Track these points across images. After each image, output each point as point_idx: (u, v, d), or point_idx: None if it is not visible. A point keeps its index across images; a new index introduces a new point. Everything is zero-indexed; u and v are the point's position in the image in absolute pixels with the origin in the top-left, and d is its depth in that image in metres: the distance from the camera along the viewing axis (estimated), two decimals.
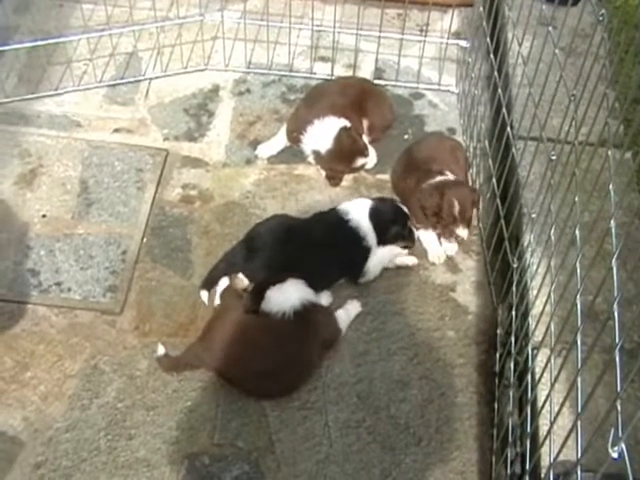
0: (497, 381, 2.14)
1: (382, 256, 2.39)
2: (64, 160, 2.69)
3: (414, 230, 2.45)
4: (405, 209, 2.44)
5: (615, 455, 1.01)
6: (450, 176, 2.49)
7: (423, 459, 2.04)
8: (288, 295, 2.15)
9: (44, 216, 2.52)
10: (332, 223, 2.39)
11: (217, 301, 2.28)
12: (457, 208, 2.39)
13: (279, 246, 2.33)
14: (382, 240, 2.38)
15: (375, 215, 2.37)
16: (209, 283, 2.34)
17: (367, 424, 2.10)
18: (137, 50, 3.10)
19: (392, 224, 2.39)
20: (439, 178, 2.47)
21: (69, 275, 2.37)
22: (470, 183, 2.66)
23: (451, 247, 2.48)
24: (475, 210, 2.49)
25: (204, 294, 2.31)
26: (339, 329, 2.23)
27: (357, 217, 2.37)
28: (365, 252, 2.36)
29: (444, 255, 2.48)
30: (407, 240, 2.43)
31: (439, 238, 2.49)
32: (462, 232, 2.42)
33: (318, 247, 2.34)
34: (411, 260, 2.46)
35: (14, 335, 2.22)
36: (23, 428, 2.04)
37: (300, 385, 2.14)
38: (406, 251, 2.45)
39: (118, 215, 2.54)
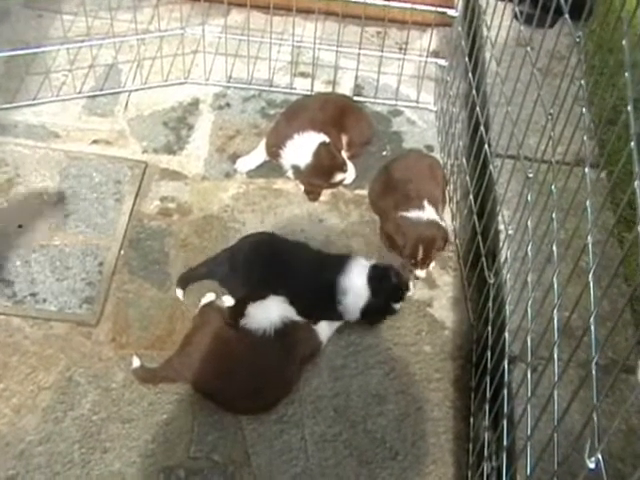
0: (473, 396, 2.16)
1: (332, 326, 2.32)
2: (41, 170, 2.66)
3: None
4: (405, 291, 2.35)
5: (592, 465, 1.02)
6: (427, 209, 2.48)
7: (399, 473, 2.04)
8: (269, 312, 2.14)
9: (20, 226, 2.49)
10: (326, 274, 2.30)
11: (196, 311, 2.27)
12: (419, 255, 2.41)
13: (262, 269, 2.32)
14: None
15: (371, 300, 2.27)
16: (185, 282, 2.35)
17: (344, 438, 2.10)
18: (117, 62, 3.09)
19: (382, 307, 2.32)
20: (415, 213, 2.45)
21: (45, 286, 2.34)
22: (447, 200, 2.70)
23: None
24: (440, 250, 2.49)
25: (179, 292, 2.32)
26: (319, 343, 2.22)
27: (352, 290, 2.26)
28: (330, 315, 2.28)
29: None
30: None
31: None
32: (419, 273, 2.46)
33: (302, 281, 2.29)
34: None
35: None
36: None
37: (278, 403, 2.13)
38: None
39: (95, 226, 2.52)
